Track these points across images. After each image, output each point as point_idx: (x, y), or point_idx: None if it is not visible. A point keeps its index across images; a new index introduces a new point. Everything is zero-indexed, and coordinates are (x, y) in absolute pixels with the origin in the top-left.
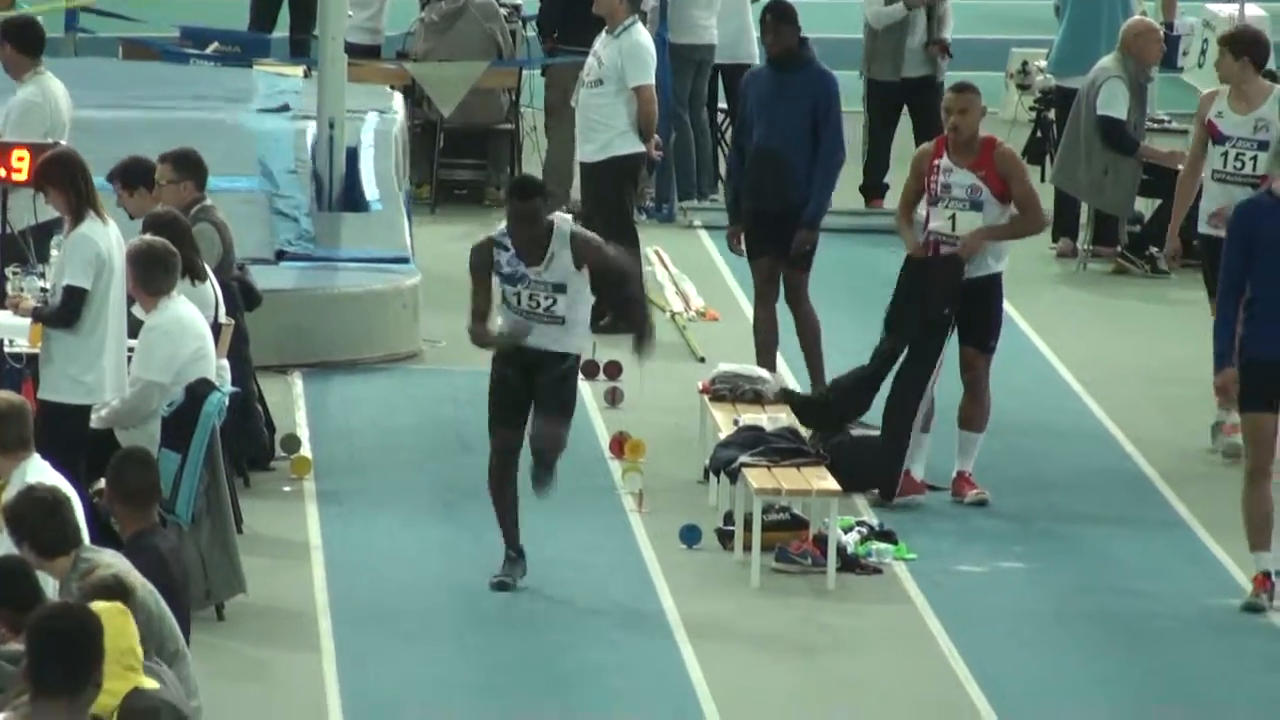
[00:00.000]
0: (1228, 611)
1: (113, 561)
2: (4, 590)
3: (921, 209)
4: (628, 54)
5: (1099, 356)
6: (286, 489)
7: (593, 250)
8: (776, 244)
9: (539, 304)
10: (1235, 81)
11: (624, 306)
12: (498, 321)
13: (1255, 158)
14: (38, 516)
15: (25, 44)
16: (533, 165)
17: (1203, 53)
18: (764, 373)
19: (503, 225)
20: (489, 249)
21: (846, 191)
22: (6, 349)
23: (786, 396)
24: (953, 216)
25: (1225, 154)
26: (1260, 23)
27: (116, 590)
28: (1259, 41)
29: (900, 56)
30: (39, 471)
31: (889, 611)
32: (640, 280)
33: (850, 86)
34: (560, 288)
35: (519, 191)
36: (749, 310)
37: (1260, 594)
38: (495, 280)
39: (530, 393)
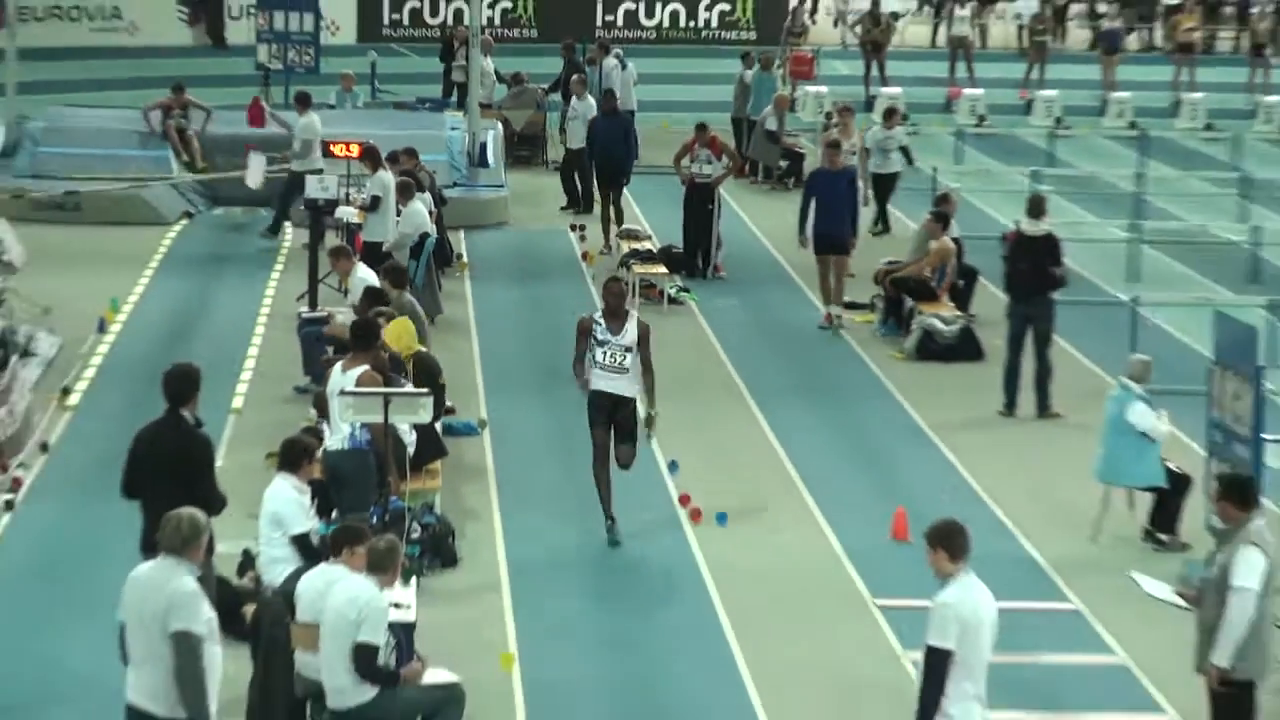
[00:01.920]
0: (816, 321)
1: (404, 299)
2: (373, 300)
3: (685, 162)
4: (581, 108)
5: (764, 221)
6: (457, 275)
7: (646, 328)
8: (614, 187)
9: (617, 360)
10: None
11: (646, 373)
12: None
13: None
14: (394, 272)
15: (305, 102)
16: (552, 149)
17: (803, 103)
18: (644, 229)
19: (597, 313)
20: (590, 322)
21: (660, 160)
22: (349, 220)
23: (667, 254)
24: (701, 166)
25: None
26: (847, 99)
27: (388, 315)
28: (848, 109)
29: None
30: (366, 270)
31: (687, 319)
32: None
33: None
34: (629, 349)
35: (616, 280)
36: (634, 208)
37: (826, 324)
38: (590, 343)
39: (610, 411)
